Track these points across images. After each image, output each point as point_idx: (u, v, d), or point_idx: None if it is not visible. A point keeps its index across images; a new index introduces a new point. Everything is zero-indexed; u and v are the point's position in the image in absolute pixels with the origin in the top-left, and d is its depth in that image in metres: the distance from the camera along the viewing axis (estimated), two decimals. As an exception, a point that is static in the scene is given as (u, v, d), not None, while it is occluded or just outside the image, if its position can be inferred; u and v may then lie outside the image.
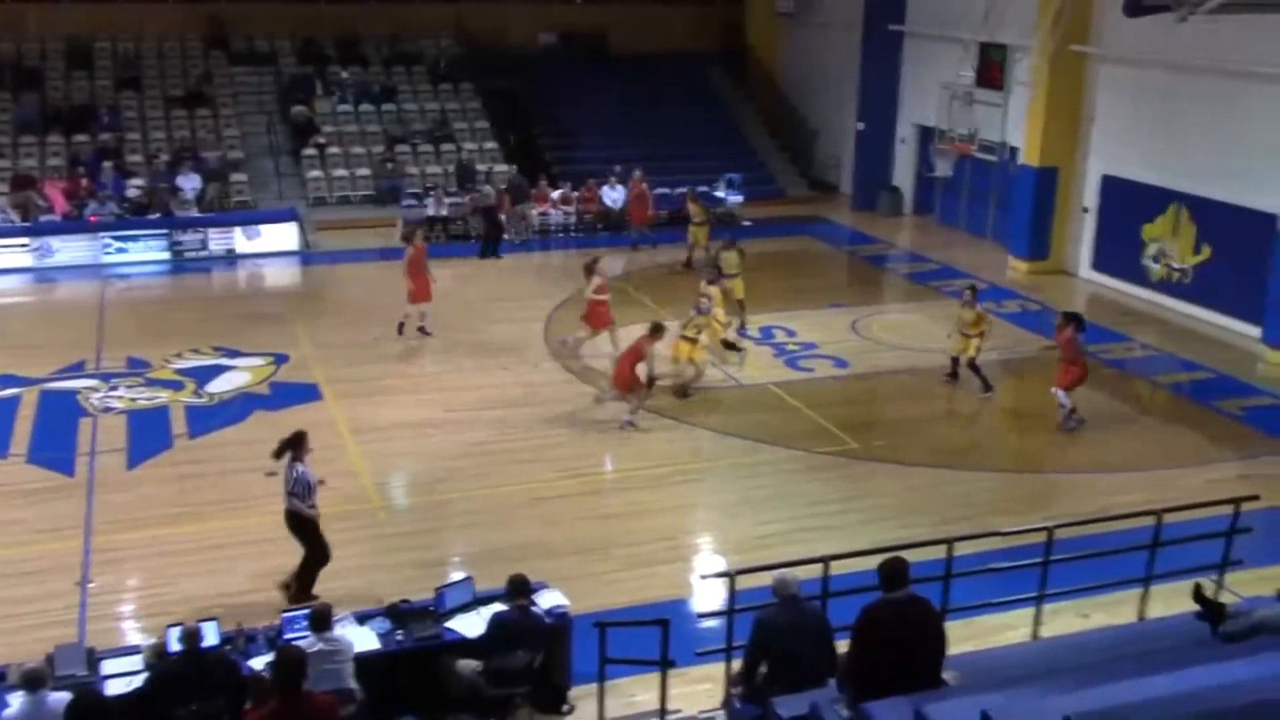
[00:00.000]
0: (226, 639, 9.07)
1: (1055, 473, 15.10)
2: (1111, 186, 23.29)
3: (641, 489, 14.25)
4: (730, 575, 9.44)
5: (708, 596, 11.41)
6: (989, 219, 27.54)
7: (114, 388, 17.21)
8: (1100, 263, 23.75)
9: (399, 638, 9.45)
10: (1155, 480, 14.45)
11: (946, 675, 7.43)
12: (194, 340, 19.18)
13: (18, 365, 17.94)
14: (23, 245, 23.90)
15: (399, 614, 9.68)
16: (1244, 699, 5.93)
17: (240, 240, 25.07)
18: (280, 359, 18.49)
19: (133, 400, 16.77)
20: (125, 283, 23.22)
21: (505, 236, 26.05)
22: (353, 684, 8.66)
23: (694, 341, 17.03)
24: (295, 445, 11.38)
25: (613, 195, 27.45)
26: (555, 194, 27.62)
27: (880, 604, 7.34)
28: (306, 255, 25.30)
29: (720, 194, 28.15)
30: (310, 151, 28.52)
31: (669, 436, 15.89)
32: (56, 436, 15.49)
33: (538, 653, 9.24)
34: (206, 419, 16.13)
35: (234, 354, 18.66)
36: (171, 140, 28.24)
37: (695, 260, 24.26)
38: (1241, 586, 10.59)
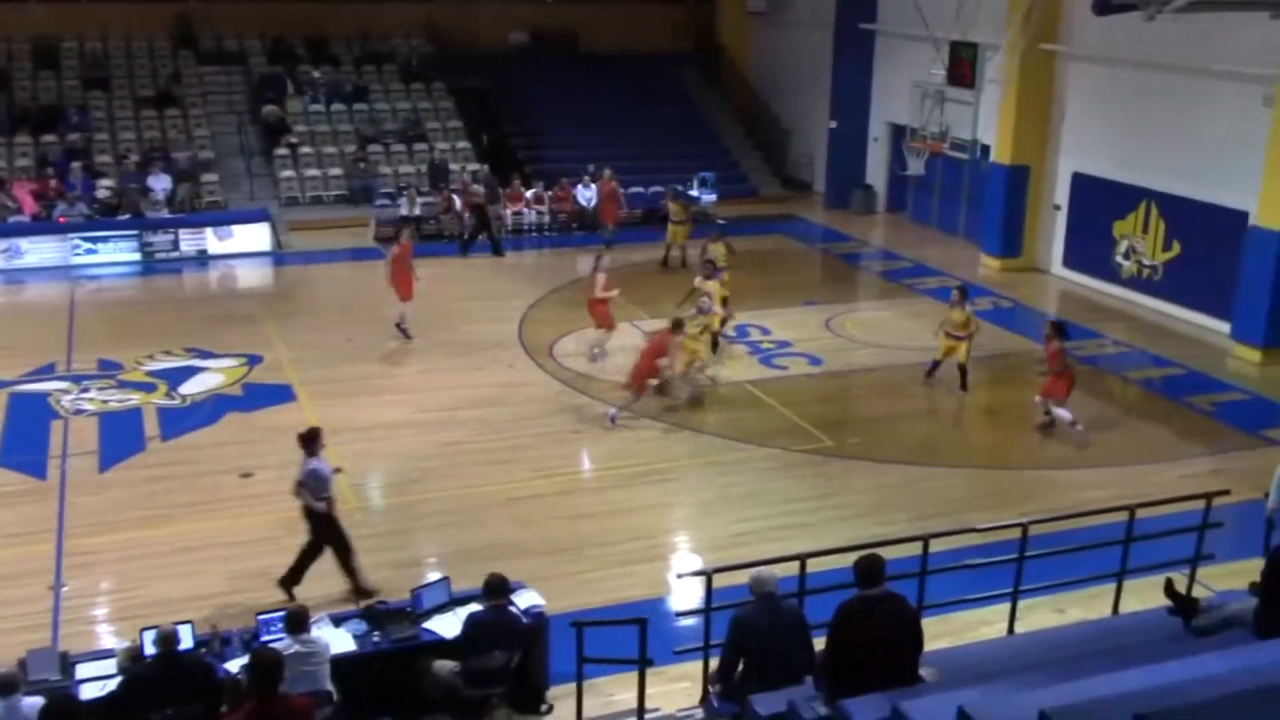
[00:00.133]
0: (201, 642, 9.03)
1: (1029, 469, 15.19)
2: (1082, 184, 23.46)
3: (617, 488, 14.25)
4: (707, 574, 9.45)
5: (685, 595, 11.44)
6: (961, 217, 27.71)
7: (85, 390, 17.08)
8: (1072, 260, 23.91)
9: (375, 639, 9.42)
10: (1128, 476, 14.56)
11: (923, 672, 7.45)
12: (166, 342, 19.05)
13: (-13, 368, 17.80)
14: (-9, 247, 23.71)
15: (375, 615, 9.65)
16: (1216, 692, 5.97)
17: (212, 241, 24.93)
18: (253, 360, 18.39)
19: (104, 402, 16.65)
20: (95, 284, 23.04)
21: (480, 236, 26.03)
22: (329, 686, 8.64)
23: (700, 341, 17.15)
24: (311, 440, 11.51)
25: (586, 194, 27.46)
26: (529, 193, 27.58)
27: (856, 601, 7.36)
28: (279, 256, 25.17)
29: (694, 193, 28.18)
30: (282, 151, 28.39)
31: (645, 436, 15.90)
32: (27, 439, 15.36)
33: (515, 653, 9.23)
34: (179, 421, 16.04)
35: (206, 355, 18.55)
36: (141, 141, 28.04)
37: (672, 259, 24.30)
38: (1213, 581, 10.69)
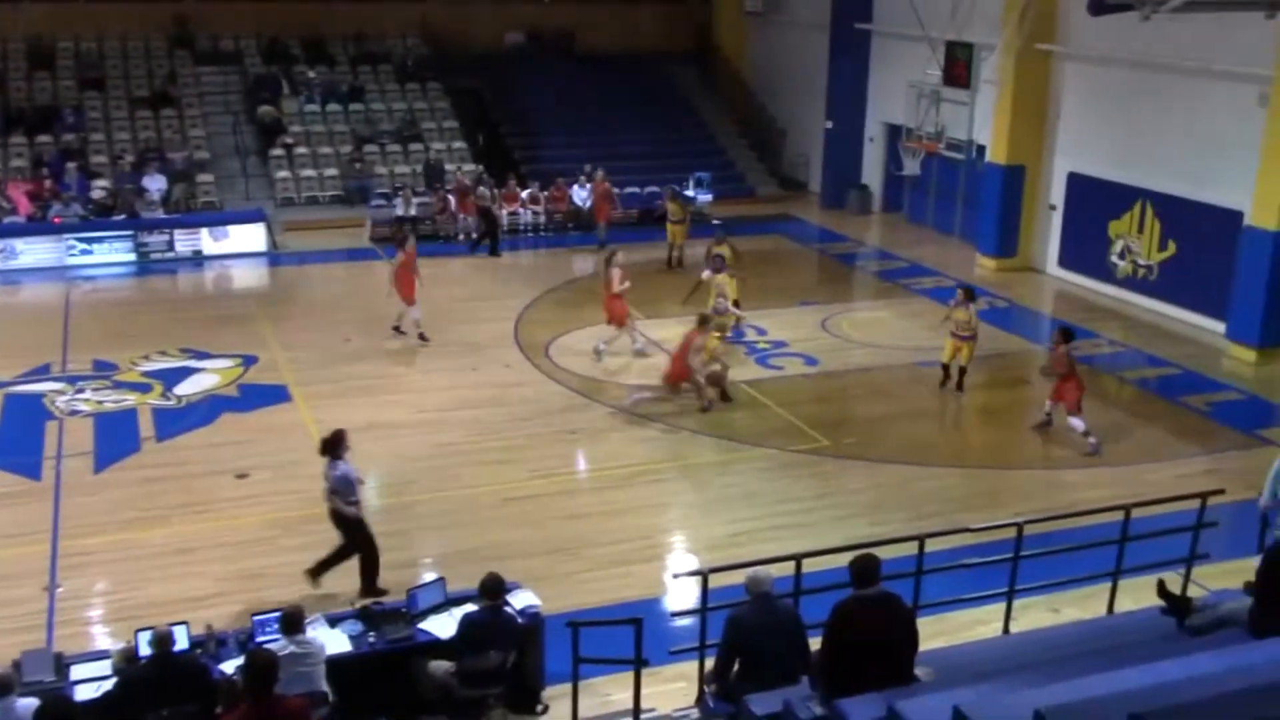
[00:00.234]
0: (196, 643, 9.01)
1: (1025, 469, 15.20)
2: (1078, 184, 23.47)
3: (613, 488, 14.25)
4: (703, 574, 9.44)
5: (681, 595, 11.44)
6: (957, 217, 27.72)
7: (80, 390, 17.06)
8: (1067, 260, 23.93)
9: (371, 640, 9.42)
10: (1123, 475, 14.57)
11: (919, 671, 7.46)
12: (161, 342, 19.03)
13: (-18, 369, 17.77)
14: (-14, 248, 23.68)
15: (371, 616, 9.65)
16: (1211, 691, 5.98)
17: (207, 241, 24.89)
18: (249, 361, 18.38)
19: (99, 403, 16.63)
20: (91, 285, 23.01)
21: (472, 236, 26.07)
22: (325, 687, 8.62)
23: (720, 339, 17.22)
24: (335, 444, 11.43)
25: (582, 194, 27.45)
26: (524, 193, 27.57)
27: (852, 601, 7.37)
28: (274, 256, 25.15)
29: (690, 193, 28.19)
30: (277, 152, 28.36)
31: (640, 436, 15.89)
32: (22, 440, 15.34)
33: (510, 653, 9.22)
34: (174, 422, 16.02)
35: (202, 356, 18.53)
36: (136, 141, 28.01)
37: (674, 259, 24.31)
38: (1208, 580, 10.71)
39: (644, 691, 9.14)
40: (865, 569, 7.39)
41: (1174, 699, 5.84)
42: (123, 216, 24.97)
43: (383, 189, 27.47)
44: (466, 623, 9.20)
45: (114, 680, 8.48)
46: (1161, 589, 8.93)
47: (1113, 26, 19.85)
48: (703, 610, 9.25)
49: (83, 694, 8.46)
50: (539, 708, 9.79)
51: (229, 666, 8.78)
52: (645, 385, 16.64)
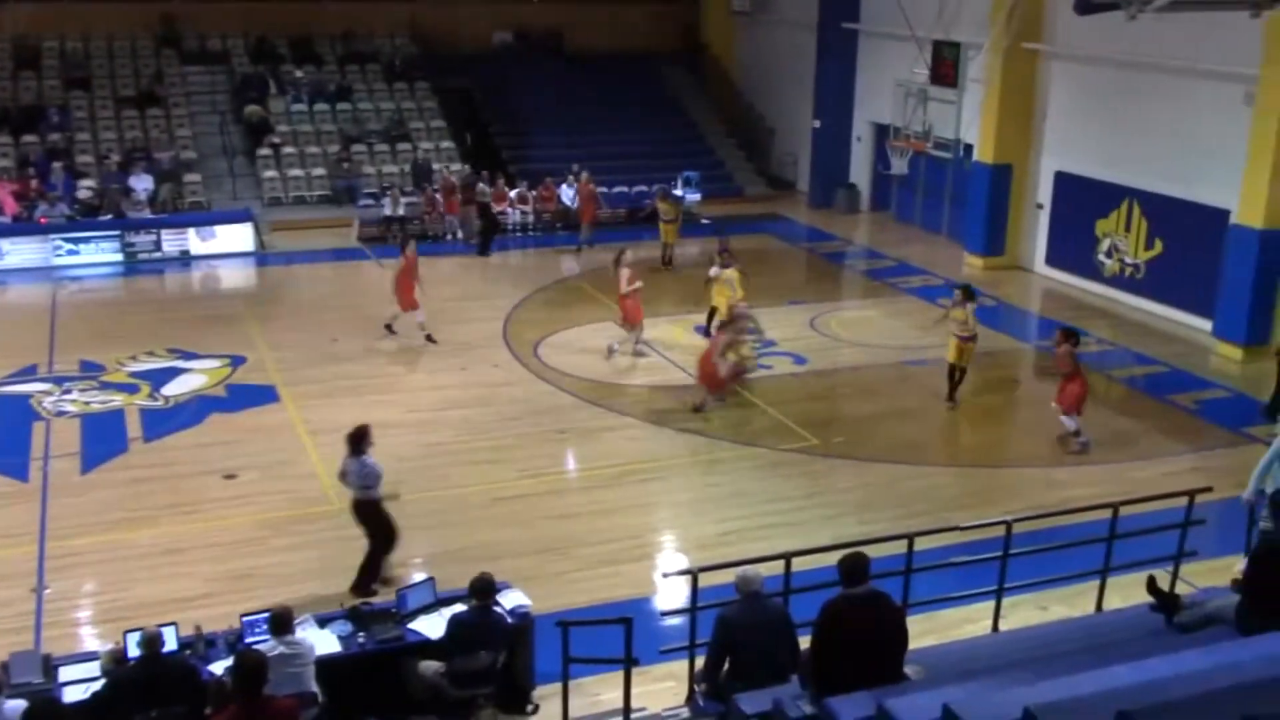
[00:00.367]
0: (185, 644, 8.99)
1: (1013, 467, 15.25)
2: (1065, 183, 23.54)
3: (603, 488, 14.25)
4: (693, 573, 9.45)
5: (670, 594, 11.44)
6: (944, 216, 27.79)
7: (67, 391, 17.00)
8: (1054, 258, 24.00)
9: (360, 640, 9.40)
10: (1111, 473, 14.62)
11: (908, 669, 7.47)
12: (148, 343, 18.98)
13: (-32, 370, 17.70)
14: (-28, 248, 23.58)
15: (360, 616, 9.63)
16: (1199, 689, 6.00)
17: (194, 241, 24.83)
18: (237, 361, 18.33)
19: (86, 404, 16.57)
20: (77, 285, 22.94)
21: (458, 235, 26.06)
22: (314, 687, 8.60)
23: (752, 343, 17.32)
24: (360, 439, 11.53)
25: (570, 194, 27.43)
26: (513, 193, 27.55)
27: (841, 599, 7.37)
28: (262, 256, 25.09)
29: (678, 192, 28.20)
30: (265, 151, 28.29)
31: (629, 435, 15.90)
32: (9, 441, 15.28)
33: (500, 653, 9.22)
34: (162, 422, 15.97)
35: (189, 356, 18.48)
36: (123, 141, 27.91)
37: (665, 258, 24.29)
38: (1196, 577, 10.75)
39: (634, 691, 9.14)
40: (854, 568, 7.39)
41: (1162, 696, 5.86)
42: (109, 217, 24.89)
43: (370, 189, 27.43)
44: (455, 623, 9.19)
45: (103, 681, 8.45)
46: (1152, 585, 8.96)
47: (1099, 26, 19.89)
48: (692, 609, 9.26)
49: (71, 695, 8.42)
50: (529, 707, 9.78)
51: (218, 667, 8.76)
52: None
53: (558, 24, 34.07)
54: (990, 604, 10.18)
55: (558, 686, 9.30)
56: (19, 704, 7.53)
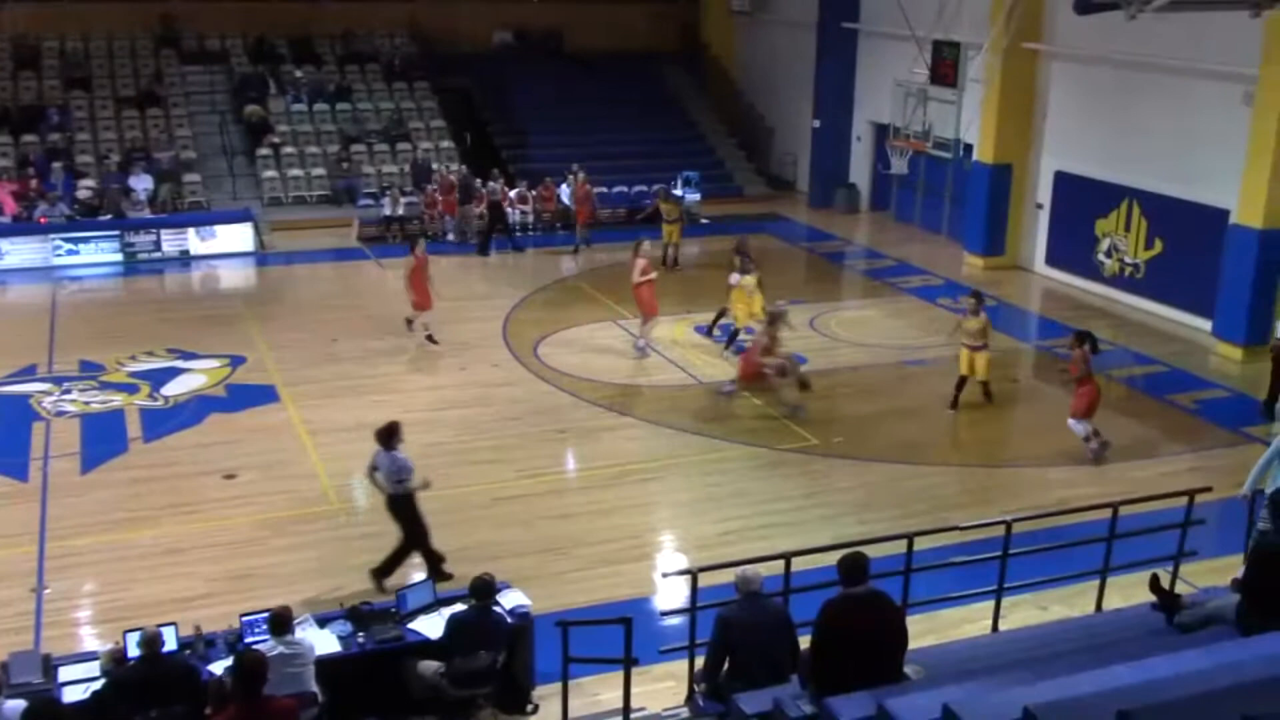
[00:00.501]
0: (185, 644, 9.00)
1: (1012, 466, 15.25)
2: (1064, 182, 23.54)
3: (602, 488, 14.25)
4: (692, 573, 9.46)
5: (670, 594, 11.43)
6: (944, 215, 27.80)
7: (67, 391, 17.00)
8: (1054, 258, 24.00)
9: (360, 640, 9.40)
10: (1110, 473, 14.62)
11: (908, 669, 7.47)
12: (148, 343, 18.98)
13: (-32, 370, 17.70)
14: (-28, 248, 23.58)
15: (360, 616, 9.62)
16: (1199, 689, 6.00)
17: (194, 241, 24.83)
18: (236, 361, 18.33)
19: (86, 404, 16.57)
20: (77, 285, 22.94)
21: (449, 236, 26.08)
22: (314, 687, 8.61)
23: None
24: (390, 434, 11.58)
25: (569, 194, 27.39)
26: (513, 192, 27.53)
27: (841, 599, 7.37)
28: (262, 256, 25.09)
29: (678, 192, 28.21)
30: (265, 151, 28.29)
31: (629, 435, 15.90)
32: (9, 441, 15.27)
33: (499, 653, 9.22)
34: (161, 422, 15.97)
35: (189, 356, 18.48)
36: (123, 141, 27.91)
37: (667, 258, 24.29)
38: (1196, 577, 10.76)
39: (634, 691, 9.14)
40: (854, 567, 7.39)
41: (1162, 696, 5.86)
42: (109, 216, 24.89)
43: (370, 189, 27.43)
44: (454, 623, 9.19)
45: (102, 681, 8.46)
46: (1154, 583, 8.94)
47: (1099, 25, 19.89)
48: (692, 609, 9.26)
49: (71, 695, 8.42)
50: (529, 707, 9.78)
51: (218, 667, 8.76)
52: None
53: (557, 23, 34.07)
54: (990, 604, 10.18)
55: (557, 686, 9.30)
56: (19, 704, 7.53)
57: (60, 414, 16.20)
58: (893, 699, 6.61)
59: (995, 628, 10.14)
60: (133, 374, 17.71)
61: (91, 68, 29.79)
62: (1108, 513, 10.27)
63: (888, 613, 7.45)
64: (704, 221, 27.92)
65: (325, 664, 8.89)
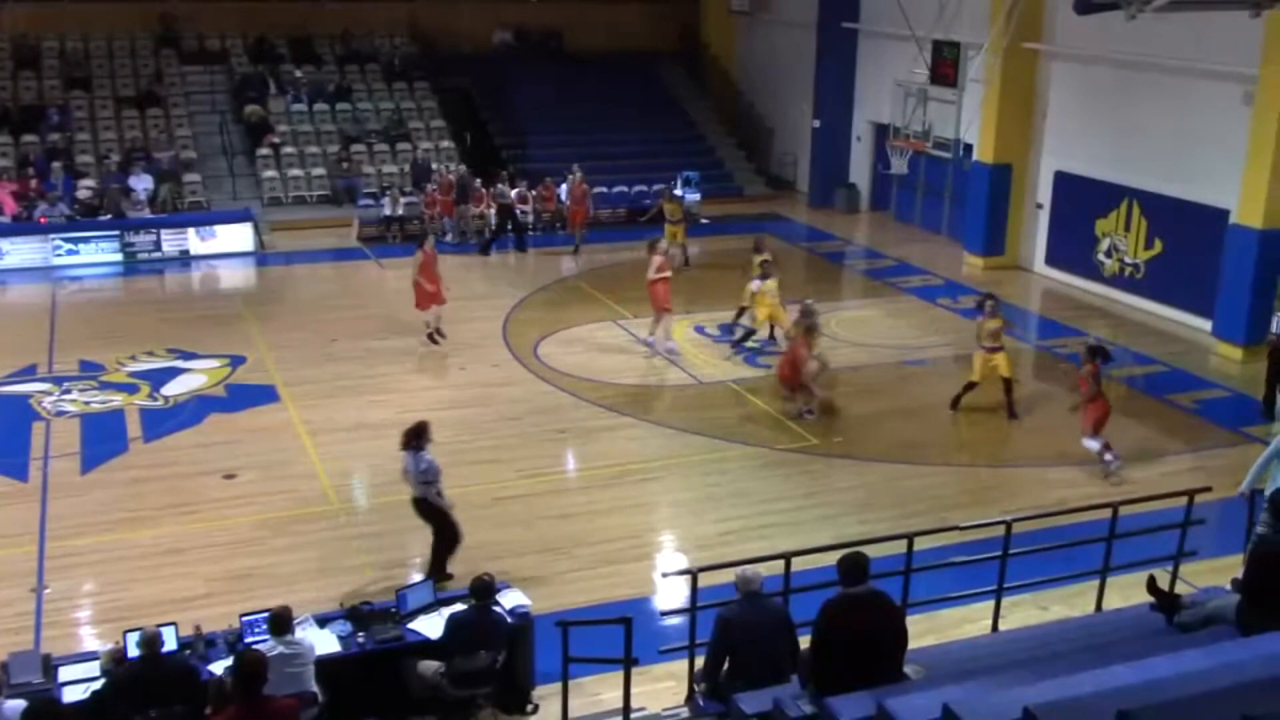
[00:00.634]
0: (185, 644, 9.00)
1: (1012, 466, 15.25)
2: (1064, 182, 23.53)
3: (602, 488, 14.25)
4: (692, 572, 9.46)
5: (670, 594, 11.44)
6: (944, 215, 27.79)
7: (67, 391, 17.00)
8: (1054, 258, 23.99)
9: (360, 640, 9.40)
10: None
11: (908, 669, 7.48)
12: (148, 343, 18.98)
13: (-32, 369, 17.69)
14: (-29, 248, 23.57)
15: (360, 616, 9.62)
16: (1199, 688, 6.01)
17: (194, 241, 24.82)
18: (236, 361, 18.33)
19: (86, 404, 16.57)
20: (77, 285, 22.93)
21: (448, 236, 26.05)
22: (314, 687, 8.61)
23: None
24: (419, 434, 11.59)
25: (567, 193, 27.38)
26: (513, 193, 27.48)
27: (840, 599, 7.37)
28: (262, 256, 25.08)
29: (678, 192, 28.19)
30: (265, 151, 28.28)
31: (629, 435, 15.90)
32: (9, 441, 15.27)
33: (499, 653, 9.22)
34: (161, 422, 15.97)
35: (189, 356, 18.48)
36: (123, 141, 27.91)
37: (673, 258, 24.24)
38: (1196, 577, 10.76)
39: (634, 690, 9.14)
40: (854, 567, 7.40)
41: (1162, 696, 5.86)
42: (109, 216, 24.88)
43: (370, 189, 27.42)
44: (454, 623, 9.19)
45: (102, 681, 8.46)
46: (1152, 584, 8.95)
47: (1099, 25, 19.88)
48: (692, 609, 9.26)
49: (71, 695, 8.42)
50: (529, 707, 9.78)
51: (218, 667, 8.76)
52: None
53: (557, 24, 34.05)
54: (990, 604, 10.18)
55: (557, 686, 9.31)
56: (19, 704, 7.53)
57: (60, 414, 16.20)
58: (893, 699, 6.62)
59: (995, 628, 10.14)
60: (133, 374, 17.71)
61: (91, 68, 29.78)
62: (1108, 513, 10.27)
63: (887, 613, 7.45)
64: (704, 221, 27.91)
65: (325, 664, 8.90)
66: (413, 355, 18.81)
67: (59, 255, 23.89)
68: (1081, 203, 23.06)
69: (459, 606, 9.43)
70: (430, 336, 19.11)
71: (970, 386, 16.56)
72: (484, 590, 9.21)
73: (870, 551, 7.67)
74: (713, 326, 20.22)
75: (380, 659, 9.34)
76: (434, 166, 28.14)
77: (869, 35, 28.78)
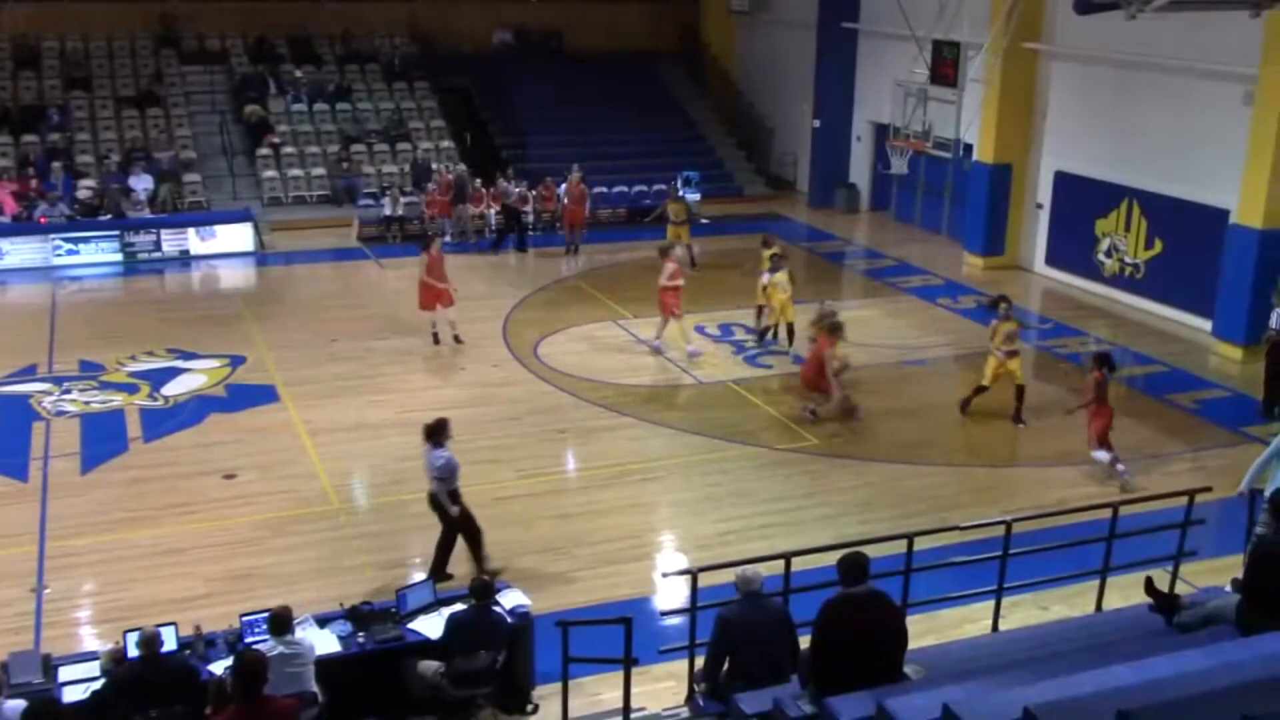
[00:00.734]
0: (185, 644, 8.99)
1: (1012, 466, 15.26)
2: (1064, 182, 23.54)
3: (602, 488, 14.24)
4: (692, 572, 9.46)
5: (670, 594, 11.44)
6: (944, 215, 27.79)
7: (67, 391, 17.00)
8: (1054, 258, 24.00)
9: (360, 640, 9.39)
10: (1111, 473, 14.59)
11: (908, 669, 7.47)
12: (148, 343, 18.98)
13: (-32, 369, 17.69)
14: (-28, 248, 23.57)
15: (360, 616, 9.62)
16: (1199, 688, 6.01)
17: (194, 241, 24.82)
18: (236, 361, 18.33)
19: (86, 404, 16.57)
20: (77, 285, 22.93)
21: (448, 236, 26.03)
22: (314, 687, 8.61)
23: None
24: (438, 431, 11.59)
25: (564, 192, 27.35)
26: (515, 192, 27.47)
27: (840, 599, 7.37)
28: (262, 256, 25.08)
29: (683, 193, 28.15)
30: (265, 151, 28.28)
31: (629, 434, 15.89)
32: (9, 441, 15.27)
33: (499, 653, 9.22)
34: (161, 422, 15.96)
35: (189, 356, 18.48)
36: (123, 141, 27.91)
37: (678, 258, 24.21)
38: (1196, 577, 10.76)
39: (634, 690, 9.14)
40: (854, 567, 7.39)
41: (1162, 696, 5.86)
42: (109, 216, 24.88)
43: (370, 189, 27.42)
44: (454, 623, 9.19)
45: (102, 681, 8.46)
46: (1149, 586, 8.96)
47: (1099, 25, 19.89)
48: (692, 609, 9.26)
49: (71, 695, 8.42)
50: (529, 707, 9.78)
51: (218, 667, 8.76)
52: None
53: (557, 24, 34.05)
54: (990, 604, 10.18)
55: (557, 686, 9.31)
56: (19, 704, 7.53)
57: (60, 414, 16.20)
58: (893, 699, 6.61)
59: (995, 628, 10.14)
60: (133, 374, 17.71)
61: (91, 68, 29.78)
62: (1108, 513, 10.27)
63: (887, 613, 7.45)
64: (704, 221, 27.89)
65: (325, 664, 8.89)
66: (413, 355, 18.81)
67: (59, 255, 23.89)
68: (1081, 203, 23.06)
69: (459, 606, 9.43)
70: (435, 336, 19.09)
71: (980, 390, 16.36)
72: (484, 590, 9.21)
73: (870, 551, 7.67)
74: (713, 326, 20.22)
75: (380, 659, 9.33)
76: (434, 166, 28.14)
77: (869, 35, 28.78)
